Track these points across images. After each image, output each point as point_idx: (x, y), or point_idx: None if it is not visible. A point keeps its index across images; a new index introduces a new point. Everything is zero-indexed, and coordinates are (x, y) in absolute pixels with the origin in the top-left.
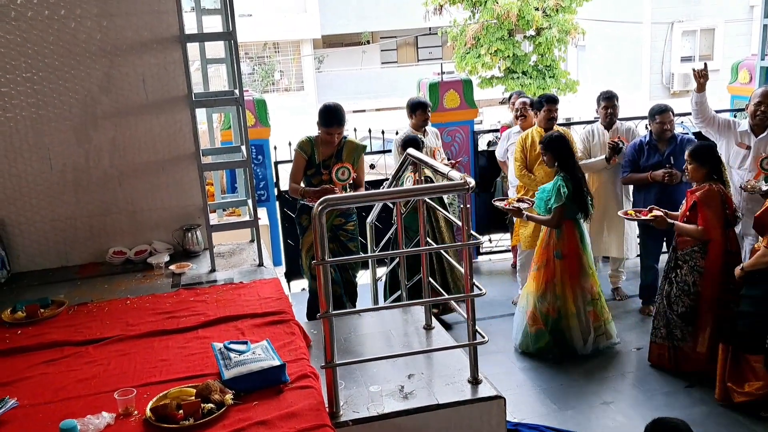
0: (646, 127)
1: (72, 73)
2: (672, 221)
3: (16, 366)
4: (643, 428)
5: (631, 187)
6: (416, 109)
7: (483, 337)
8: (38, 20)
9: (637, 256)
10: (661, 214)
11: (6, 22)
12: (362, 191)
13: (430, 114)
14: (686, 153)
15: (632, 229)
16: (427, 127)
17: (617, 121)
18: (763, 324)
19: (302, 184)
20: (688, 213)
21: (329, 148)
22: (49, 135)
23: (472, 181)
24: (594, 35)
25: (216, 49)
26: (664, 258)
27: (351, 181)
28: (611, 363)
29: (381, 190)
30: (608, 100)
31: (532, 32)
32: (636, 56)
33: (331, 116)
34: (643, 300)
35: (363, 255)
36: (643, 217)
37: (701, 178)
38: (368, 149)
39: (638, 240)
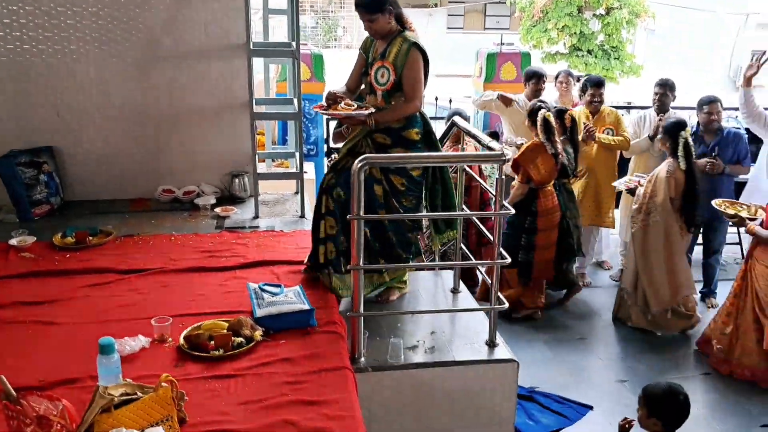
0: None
1: (137, 11)
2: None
3: (63, 286)
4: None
5: None
6: (530, 78)
7: (503, 303)
8: None
9: None
10: None
11: None
12: (411, 106)
13: (544, 85)
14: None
15: None
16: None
17: (671, 110)
18: (513, 243)
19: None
20: None
21: (382, 42)
22: (111, 70)
23: (508, 152)
24: (664, 20)
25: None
26: (697, 249)
27: (389, 88)
28: (633, 345)
29: (421, 153)
30: (660, 87)
31: (601, 11)
32: (706, 45)
33: None
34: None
35: (396, 215)
36: None
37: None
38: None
39: None
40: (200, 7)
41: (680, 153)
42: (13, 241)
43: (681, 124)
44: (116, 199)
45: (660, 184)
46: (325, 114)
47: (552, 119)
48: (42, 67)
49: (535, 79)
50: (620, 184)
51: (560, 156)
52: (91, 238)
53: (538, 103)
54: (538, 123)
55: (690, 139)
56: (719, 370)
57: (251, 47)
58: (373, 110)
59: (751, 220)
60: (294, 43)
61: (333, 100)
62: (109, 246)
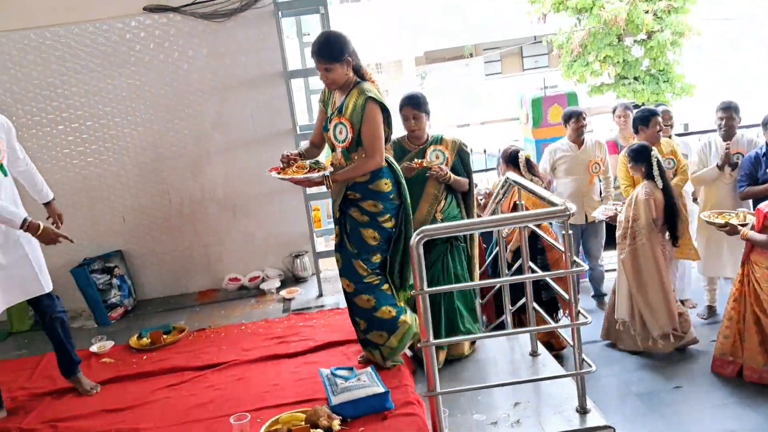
0: None
1: (186, 112)
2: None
3: (143, 390)
4: None
5: (750, 202)
6: (569, 119)
7: (590, 366)
8: (154, 64)
9: None
10: None
11: (126, 68)
12: (371, 162)
13: (585, 122)
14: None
15: None
16: (586, 137)
17: (737, 132)
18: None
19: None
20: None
21: (340, 94)
22: (168, 171)
23: (573, 207)
24: (711, 34)
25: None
26: None
27: (348, 145)
28: (735, 389)
29: (481, 218)
30: (724, 111)
31: (642, 36)
32: (761, 53)
33: (315, 45)
34: None
35: (461, 284)
36: None
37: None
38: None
39: None
40: (245, 98)
41: (656, 173)
42: (94, 348)
43: (646, 148)
44: (185, 293)
45: (640, 207)
46: (279, 178)
47: (531, 158)
48: (106, 177)
49: (575, 118)
50: (598, 213)
51: (550, 188)
52: (165, 336)
53: (512, 147)
54: (521, 164)
55: (660, 157)
56: (723, 373)
57: (298, 131)
58: (330, 170)
59: (743, 226)
60: None
61: (286, 162)
62: (183, 343)
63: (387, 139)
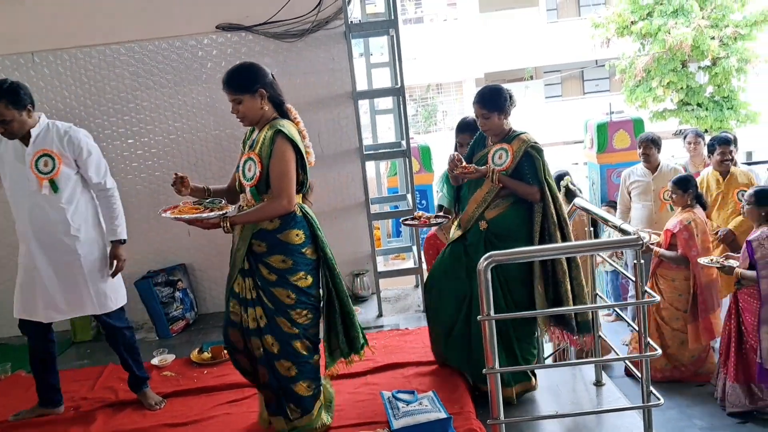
0: None
1: None
2: None
3: (204, 405)
4: None
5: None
6: (638, 145)
7: (658, 399)
8: None
9: None
10: None
11: (197, 84)
12: (277, 205)
13: (652, 151)
14: None
15: None
16: (662, 163)
17: None
18: None
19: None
20: None
21: (258, 131)
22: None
23: (645, 236)
24: None
25: (384, 99)
26: None
27: (256, 182)
28: None
29: (549, 245)
30: None
31: (707, 62)
32: None
33: (225, 75)
34: None
35: (528, 311)
36: None
37: None
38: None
39: None
40: (313, 118)
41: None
42: (155, 361)
43: (559, 177)
44: None
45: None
46: (169, 217)
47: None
48: (172, 190)
49: (642, 145)
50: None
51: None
52: (226, 351)
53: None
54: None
55: (570, 184)
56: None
57: (363, 152)
58: (229, 211)
59: (652, 245)
60: (404, 143)
61: (177, 180)
62: None
63: (301, 185)
